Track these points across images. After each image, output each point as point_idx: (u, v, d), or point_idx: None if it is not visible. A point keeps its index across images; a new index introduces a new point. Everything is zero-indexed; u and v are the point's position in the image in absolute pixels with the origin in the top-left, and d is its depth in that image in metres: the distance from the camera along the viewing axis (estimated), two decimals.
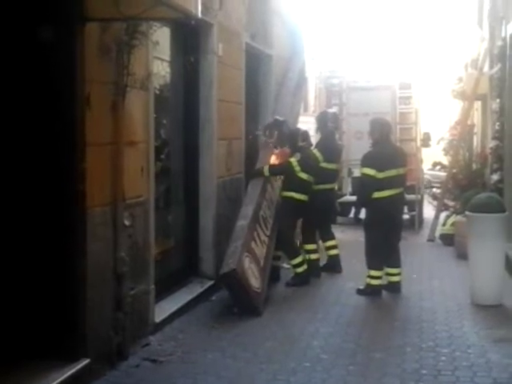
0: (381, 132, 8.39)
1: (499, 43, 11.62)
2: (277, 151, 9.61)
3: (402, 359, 6.02)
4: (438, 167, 14.92)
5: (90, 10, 5.16)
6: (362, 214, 8.77)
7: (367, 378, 5.59)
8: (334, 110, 12.12)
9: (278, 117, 9.99)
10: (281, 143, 9.62)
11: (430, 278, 9.38)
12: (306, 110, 17.05)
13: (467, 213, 8.25)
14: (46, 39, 5.04)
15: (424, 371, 5.73)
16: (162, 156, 7.48)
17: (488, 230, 7.75)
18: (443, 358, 6.04)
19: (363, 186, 8.52)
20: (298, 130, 9.71)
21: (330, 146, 9.65)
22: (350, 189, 14.26)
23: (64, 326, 5.20)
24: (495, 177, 11.28)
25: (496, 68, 11.85)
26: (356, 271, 9.15)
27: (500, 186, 11.01)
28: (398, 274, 8.50)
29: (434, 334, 6.75)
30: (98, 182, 5.48)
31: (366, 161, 8.30)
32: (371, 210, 8.36)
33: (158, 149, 7.13)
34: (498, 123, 11.57)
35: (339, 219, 13.97)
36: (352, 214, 13.95)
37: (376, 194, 8.12)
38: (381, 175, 8.10)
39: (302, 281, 8.84)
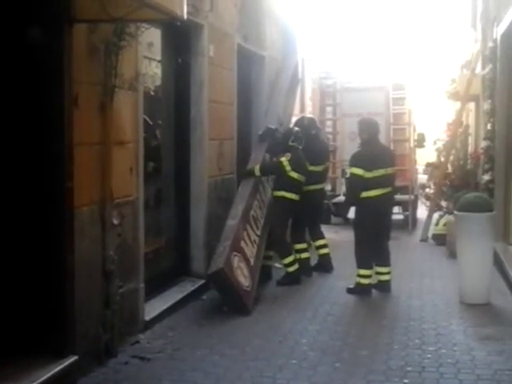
0: (369, 132, 8.44)
1: (490, 44, 11.69)
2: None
3: (389, 356, 6.09)
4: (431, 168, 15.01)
5: (78, 12, 5.22)
6: (351, 214, 8.83)
7: (352, 375, 5.65)
8: (310, 115, 12.11)
9: (269, 125, 10.02)
10: (274, 152, 9.66)
11: (421, 277, 9.44)
12: (302, 110, 17.11)
13: (455, 212, 8.32)
14: (33, 40, 5.11)
15: (409, 368, 5.80)
16: (153, 156, 7.54)
17: (475, 229, 7.80)
18: (429, 356, 6.10)
19: (351, 186, 8.60)
20: (291, 129, 9.69)
21: (314, 150, 9.66)
22: (343, 189, 14.31)
23: (52, 323, 5.26)
24: (486, 177, 11.33)
25: (487, 69, 11.91)
26: (347, 270, 9.19)
27: (491, 186, 11.06)
28: (388, 273, 8.55)
29: (421, 332, 6.82)
30: (86, 181, 5.55)
31: (354, 160, 8.37)
32: (360, 210, 8.42)
33: (149, 149, 7.18)
34: (489, 124, 11.63)
35: (333, 219, 14.14)
36: None
37: (364, 194, 8.17)
38: (369, 175, 8.15)
39: (293, 280, 8.89)
